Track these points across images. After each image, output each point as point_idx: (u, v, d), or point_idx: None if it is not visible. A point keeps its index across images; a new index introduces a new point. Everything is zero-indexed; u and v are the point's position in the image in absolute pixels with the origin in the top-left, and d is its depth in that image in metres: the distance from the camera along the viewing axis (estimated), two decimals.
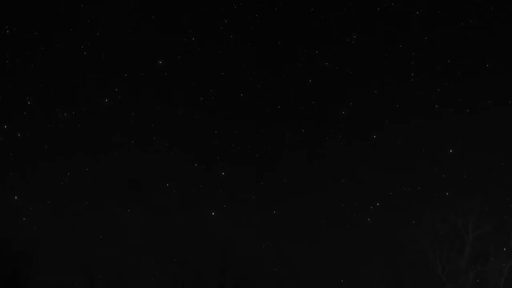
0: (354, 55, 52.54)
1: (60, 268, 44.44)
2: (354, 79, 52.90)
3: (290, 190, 51.68)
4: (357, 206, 51.19)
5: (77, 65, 50.83)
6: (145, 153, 50.69)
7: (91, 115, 50.92)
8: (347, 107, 53.08)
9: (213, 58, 52.49)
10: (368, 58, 52.57)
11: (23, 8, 50.11)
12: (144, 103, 51.65)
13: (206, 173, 51.45)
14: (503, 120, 50.85)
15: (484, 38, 51.82)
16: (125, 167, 49.80)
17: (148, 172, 50.23)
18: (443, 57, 52.31)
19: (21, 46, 50.32)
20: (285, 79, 53.48)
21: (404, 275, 46.27)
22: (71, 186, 49.45)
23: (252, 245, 46.13)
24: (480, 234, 45.57)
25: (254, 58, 53.14)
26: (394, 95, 52.34)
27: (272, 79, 53.20)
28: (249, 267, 44.40)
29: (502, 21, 51.47)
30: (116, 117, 51.12)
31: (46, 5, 50.25)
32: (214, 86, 52.70)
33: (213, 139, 52.05)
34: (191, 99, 52.46)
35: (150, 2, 52.26)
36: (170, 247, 45.15)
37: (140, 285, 45.78)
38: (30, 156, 49.28)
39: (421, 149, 51.79)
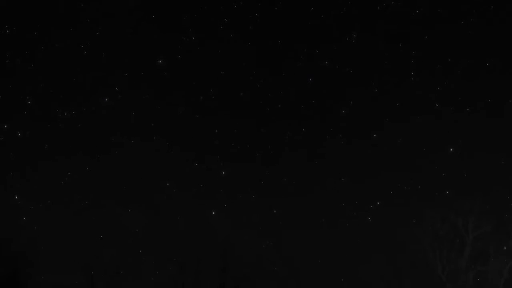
0: (354, 54, 52.57)
1: (60, 268, 44.53)
2: (354, 78, 52.98)
3: (290, 189, 51.81)
4: (357, 205, 51.31)
5: (77, 65, 50.93)
6: (145, 152, 50.72)
7: (91, 115, 51.02)
8: (347, 106, 53.18)
9: (213, 57, 52.57)
10: (368, 57, 52.62)
11: (23, 8, 50.11)
12: (144, 103, 51.76)
13: (206, 172, 51.56)
14: (503, 119, 50.92)
15: (484, 37, 51.87)
16: (125, 167, 49.87)
17: (148, 171, 50.35)
18: (443, 56, 52.36)
19: (21, 45, 50.36)
20: (285, 78, 53.59)
21: (404, 275, 46.30)
22: (71, 186, 49.58)
23: (252, 245, 46.19)
24: (480, 234, 45.57)
25: (254, 57, 53.21)
26: (394, 94, 52.39)
27: (272, 78, 53.32)
28: (249, 267, 44.40)
29: (502, 20, 51.48)
30: (116, 117, 51.22)
31: (46, 4, 50.31)
32: (214, 85, 52.78)
33: (213, 138, 52.13)
34: (191, 98, 52.57)
35: (150, 2, 52.31)
36: (170, 247, 45.15)
37: (140, 285, 45.85)
38: (30, 155, 49.36)
39: (421, 148, 51.91)
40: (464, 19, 51.99)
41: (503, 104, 51.28)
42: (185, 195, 49.89)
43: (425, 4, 52.10)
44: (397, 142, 52.00)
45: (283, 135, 52.99)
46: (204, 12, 52.70)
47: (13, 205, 47.36)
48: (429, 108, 52.01)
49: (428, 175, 50.91)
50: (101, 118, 50.88)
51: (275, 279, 46.61)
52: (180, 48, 52.61)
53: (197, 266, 44.84)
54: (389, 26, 52.41)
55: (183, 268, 44.79)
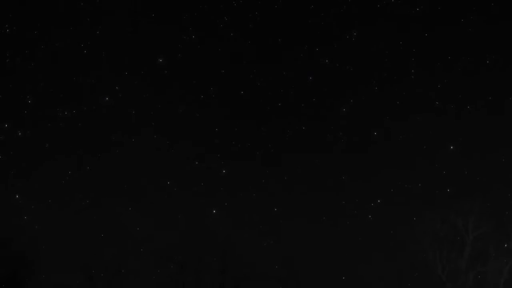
0: (354, 52, 52.56)
1: (60, 267, 44.64)
2: (355, 76, 52.99)
3: (290, 188, 51.84)
4: (358, 203, 51.40)
5: (77, 64, 50.95)
6: (146, 151, 50.79)
7: (92, 114, 51.06)
8: (348, 104, 53.17)
9: (213, 55, 52.57)
10: (368, 55, 52.61)
11: (23, 7, 50.10)
12: (145, 101, 51.79)
13: (206, 171, 51.65)
14: (503, 116, 50.90)
15: (484, 34, 51.78)
16: (125, 166, 49.93)
17: (148, 170, 50.41)
18: (443, 54, 52.35)
19: (21, 45, 50.37)
20: (286, 76, 53.53)
21: (404, 275, 46.30)
22: (72, 185, 49.69)
23: (252, 243, 46.19)
24: (480, 234, 45.57)
25: (254, 56, 53.20)
26: (394, 92, 52.36)
27: (272, 76, 53.26)
28: (249, 267, 44.42)
29: (502, 17, 51.38)
30: (116, 115, 51.26)
31: (46, 4, 50.28)
32: (215, 84, 52.80)
33: (214, 137, 52.20)
34: (191, 97, 52.61)
35: (150, 1, 52.26)
36: (170, 246, 45.18)
37: (140, 284, 45.94)
38: (31, 155, 49.45)
39: (422, 146, 51.95)
40: (464, 17, 52.04)
41: (503, 101, 51.34)
42: (186, 193, 50.10)
43: (425, 2, 52.12)
44: (398, 140, 52.12)
45: (284, 134, 53.12)
46: (204, 11, 52.75)
47: (14, 205, 47.51)
48: (430, 106, 52.15)
49: (428, 173, 51.09)
50: (101, 117, 51.01)
51: (275, 278, 46.60)
52: (180, 47, 52.69)
53: (198, 265, 44.91)
54: (389, 24, 52.36)
55: (184, 267, 44.86)
